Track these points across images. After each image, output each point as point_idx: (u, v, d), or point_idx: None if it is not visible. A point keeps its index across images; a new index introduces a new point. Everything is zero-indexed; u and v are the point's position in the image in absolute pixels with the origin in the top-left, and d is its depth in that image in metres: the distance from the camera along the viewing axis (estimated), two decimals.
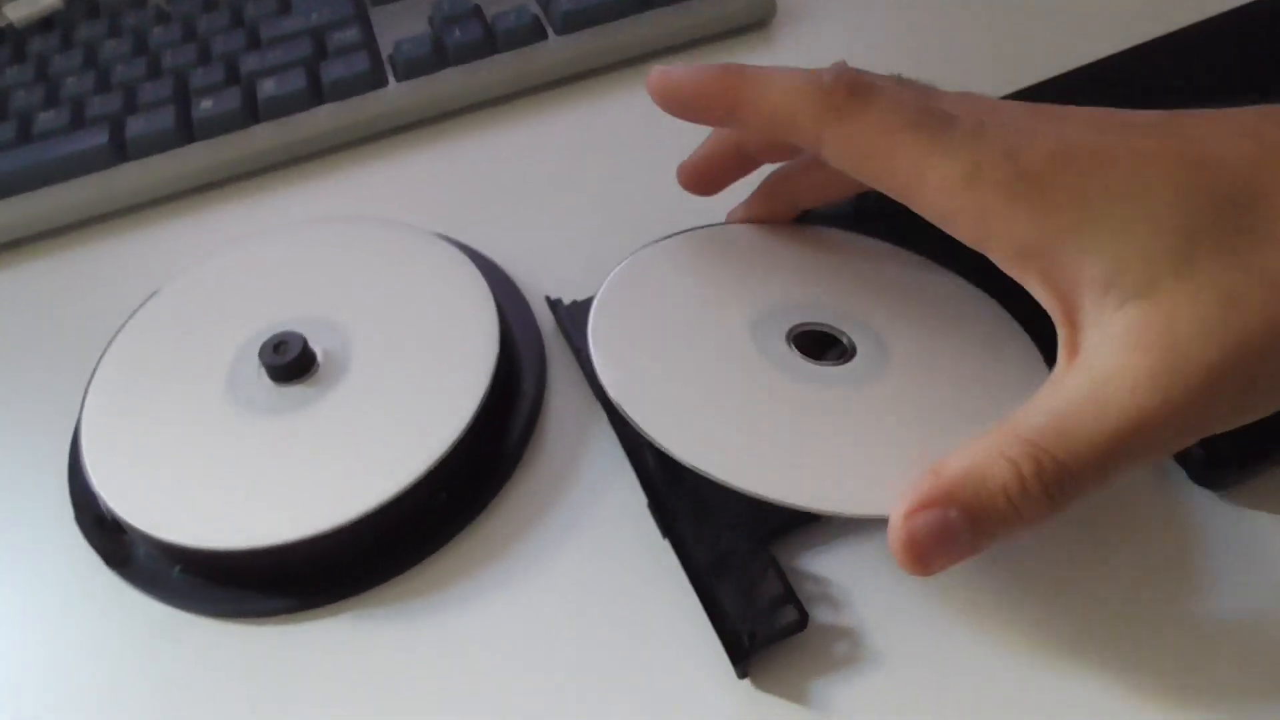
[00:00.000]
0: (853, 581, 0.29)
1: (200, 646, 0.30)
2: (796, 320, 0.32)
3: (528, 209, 0.41)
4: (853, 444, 0.28)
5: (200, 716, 0.28)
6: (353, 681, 0.29)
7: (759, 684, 0.27)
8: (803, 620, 0.27)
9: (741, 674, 0.27)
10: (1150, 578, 0.28)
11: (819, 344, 0.31)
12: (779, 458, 0.28)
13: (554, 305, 0.35)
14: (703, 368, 0.30)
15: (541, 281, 0.38)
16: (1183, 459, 0.29)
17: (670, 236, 0.35)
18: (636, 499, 0.31)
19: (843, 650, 0.27)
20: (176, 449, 0.32)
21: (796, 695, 0.27)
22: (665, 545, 0.29)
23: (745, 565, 0.28)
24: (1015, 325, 0.31)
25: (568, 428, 0.34)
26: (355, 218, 0.39)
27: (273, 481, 0.31)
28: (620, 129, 0.43)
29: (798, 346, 0.31)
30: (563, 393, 0.35)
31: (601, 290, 0.32)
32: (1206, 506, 0.29)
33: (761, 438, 0.28)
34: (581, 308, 0.35)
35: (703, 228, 0.36)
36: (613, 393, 0.29)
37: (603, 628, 0.29)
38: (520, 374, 0.35)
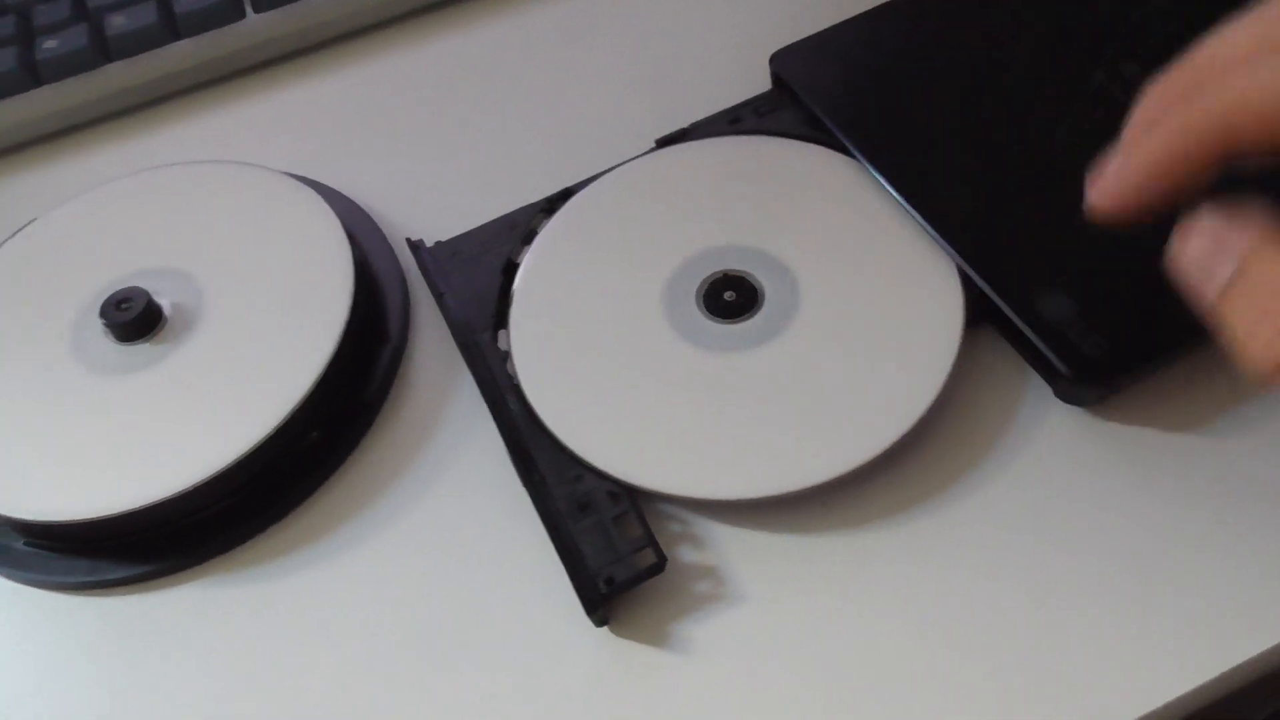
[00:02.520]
0: (717, 519, 0.28)
1: (50, 621, 0.29)
2: (709, 270, 0.31)
3: (398, 145, 0.39)
4: (733, 422, 0.28)
5: (50, 694, 0.28)
6: (210, 649, 0.28)
7: (620, 629, 0.26)
8: (661, 563, 0.26)
9: (599, 621, 0.26)
10: (1015, 500, 0.27)
11: (734, 289, 0.31)
12: (675, 448, 0.28)
13: (415, 247, 0.34)
14: (611, 357, 0.30)
15: (410, 221, 0.36)
16: (1049, 377, 0.28)
17: (582, 189, 0.34)
18: (500, 445, 0.30)
19: (705, 589, 0.27)
20: (18, 416, 0.31)
21: (657, 638, 0.26)
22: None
23: (605, 510, 0.27)
24: (932, 243, 0.31)
25: (433, 373, 0.32)
26: (202, 161, 0.37)
27: (120, 445, 0.30)
28: (496, 57, 0.41)
29: (708, 301, 0.31)
30: (429, 336, 0.33)
31: (519, 279, 0.32)
32: (1073, 424, 0.28)
33: (658, 430, 0.29)
34: (445, 248, 0.34)
35: (615, 169, 0.34)
36: (543, 415, 0.29)
37: (464, 580, 0.28)
38: (384, 317, 0.33)
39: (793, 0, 0.40)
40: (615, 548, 0.27)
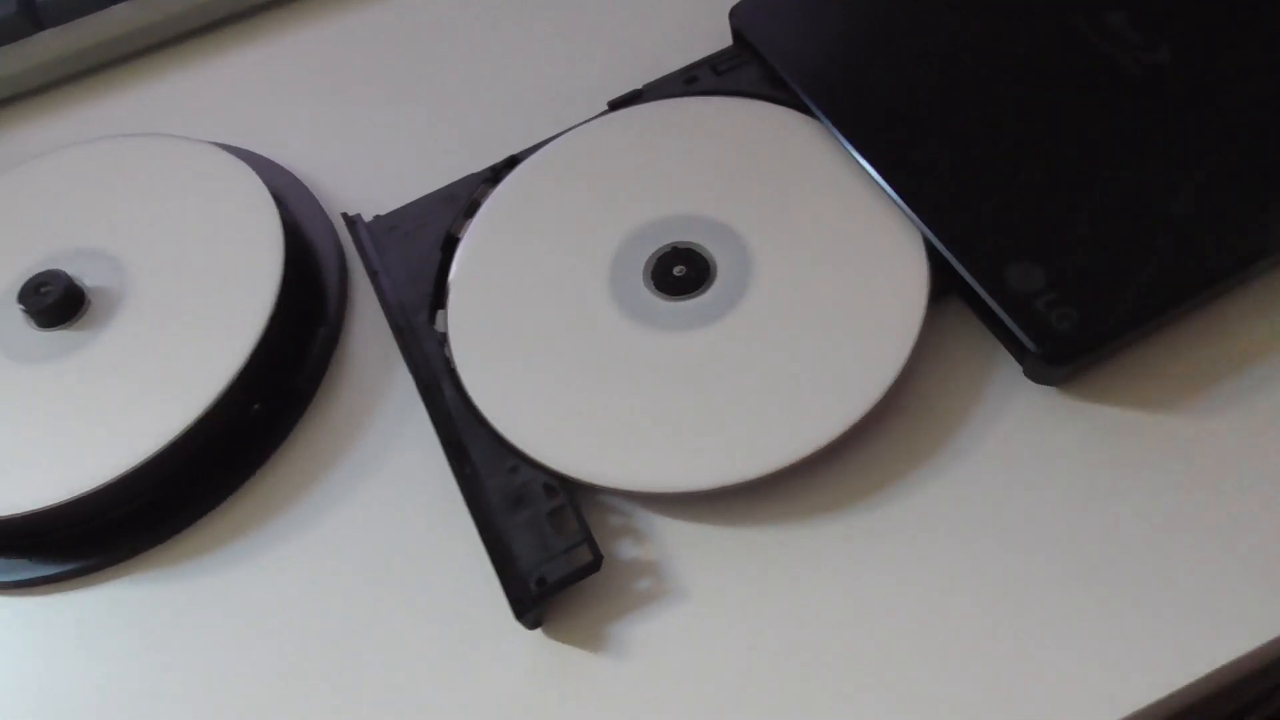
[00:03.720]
0: (661, 512, 0.26)
1: None
2: (659, 243, 0.29)
3: (343, 114, 0.37)
4: (679, 408, 0.27)
5: None
6: (133, 650, 0.26)
7: (554, 631, 0.25)
8: (596, 561, 0.25)
9: (531, 624, 0.25)
10: (981, 487, 0.26)
11: (684, 263, 0.29)
12: (616, 438, 0.26)
13: (351, 222, 0.32)
14: (554, 339, 0.28)
15: (354, 194, 0.34)
16: (1018, 354, 0.26)
17: (528, 157, 0.32)
18: (435, 435, 0.28)
19: (645, 587, 0.25)
20: None
21: (593, 640, 0.25)
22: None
23: (540, 504, 0.26)
24: (895, 209, 0.29)
25: (371, 356, 0.31)
26: (128, 134, 0.35)
27: (39, 438, 0.28)
28: (444, 18, 0.39)
29: (657, 277, 0.29)
30: (368, 317, 0.31)
31: (458, 256, 0.30)
32: (1043, 404, 0.26)
33: (599, 418, 0.27)
34: (383, 223, 0.32)
35: (563, 135, 0.32)
36: (483, 407, 0.27)
37: (396, 576, 0.26)
38: (320, 296, 0.32)
39: None
40: (549, 545, 0.25)
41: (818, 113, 0.31)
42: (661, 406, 0.27)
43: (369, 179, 0.35)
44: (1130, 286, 0.26)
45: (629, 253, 0.29)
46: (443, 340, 0.29)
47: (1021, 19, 0.31)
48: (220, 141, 0.35)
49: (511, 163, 0.32)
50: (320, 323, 0.31)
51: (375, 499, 0.28)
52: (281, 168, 0.35)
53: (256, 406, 0.29)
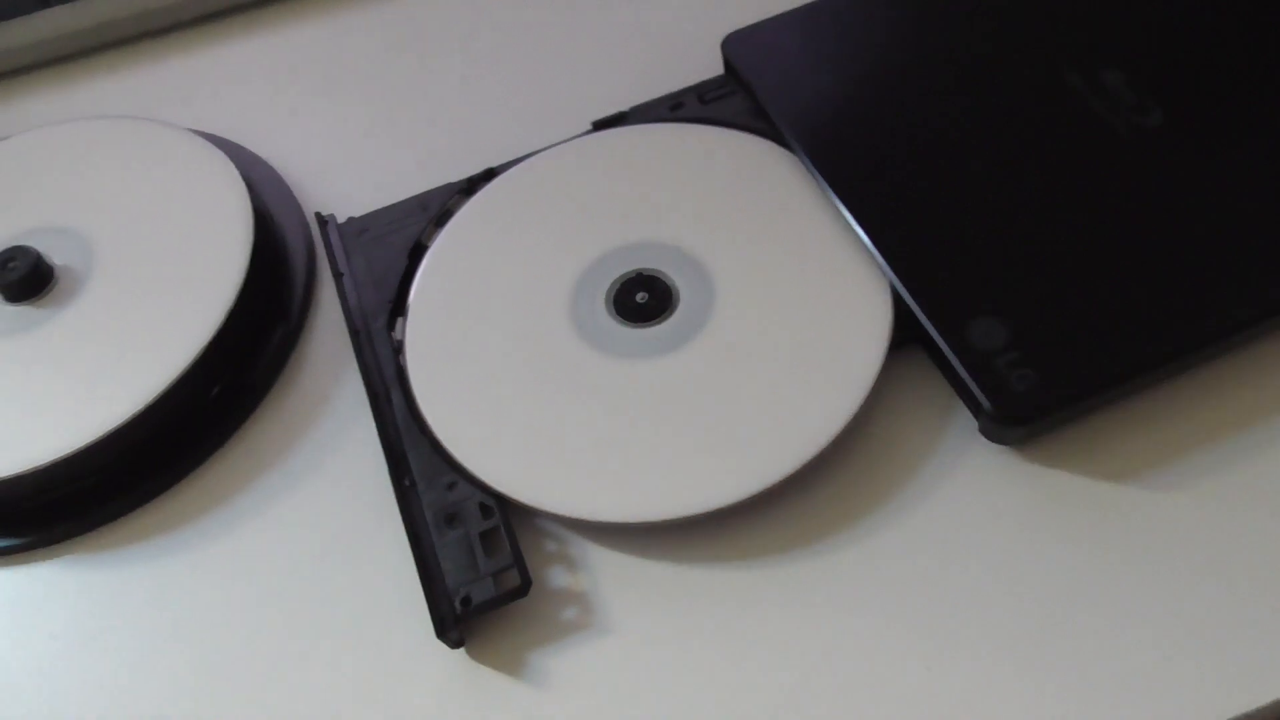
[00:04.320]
0: (596, 541, 0.26)
1: None
2: (625, 267, 0.29)
3: (333, 113, 0.37)
4: (627, 437, 0.26)
5: None
6: (54, 634, 0.26)
7: (475, 652, 0.24)
8: (524, 586, 0.24)
9: (452, 643, 0.24)
10: (925, 542, 0.25)
11: (647, 290, 0.28)
12: (558, 462, 0.26)
13: (324, 222, 0.32)
14: (509, 357, 0.28)
15: (330, 192, 0.34)
16: (973, 410, 0.26)
17: (505, 171, 0.32)
18: (379, 443, 0.28)
19: (570, 617, 0.25)
20: None
21: (513, 665, 0.24)
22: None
23: (473, 523, 0.25)
24: (865, 253, 0.28)
25: (328, 358, 0.30)
26: (105, 116, 0.35)
27: None
28: (442, 24, 0.39)
29: (618, 302, 0.28)
30: (332, 318, 0.31)
31: (424, 264, 0.30)
32: (996, 463, 0.26)
33: (543, 441, 0.26)
34: (355, 225, 0.31)
35: (543, 152, 0.32)
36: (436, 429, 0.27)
37: (324, 582, 0.26)
38: (286, 293, 0.31)
39: None
40: (478, 565, 0.24)
41: (797, 149, 0.30)
42: (608, 434, 0.26)
43: (350, 179, 0.34)
44: (1094, 353, 0.25)
45: (594, 275, 0.29)
46: (399, 348, 0.29)
47: (1015, 71, 0.31)
48: (205, 131, 0.35)
49: (488, 175, 0.32)
50: (282, 318, 0.31)
51: (313, 502, 0.28)
52: (261, 160, 0.35)
53: (215, 390, 0.29)
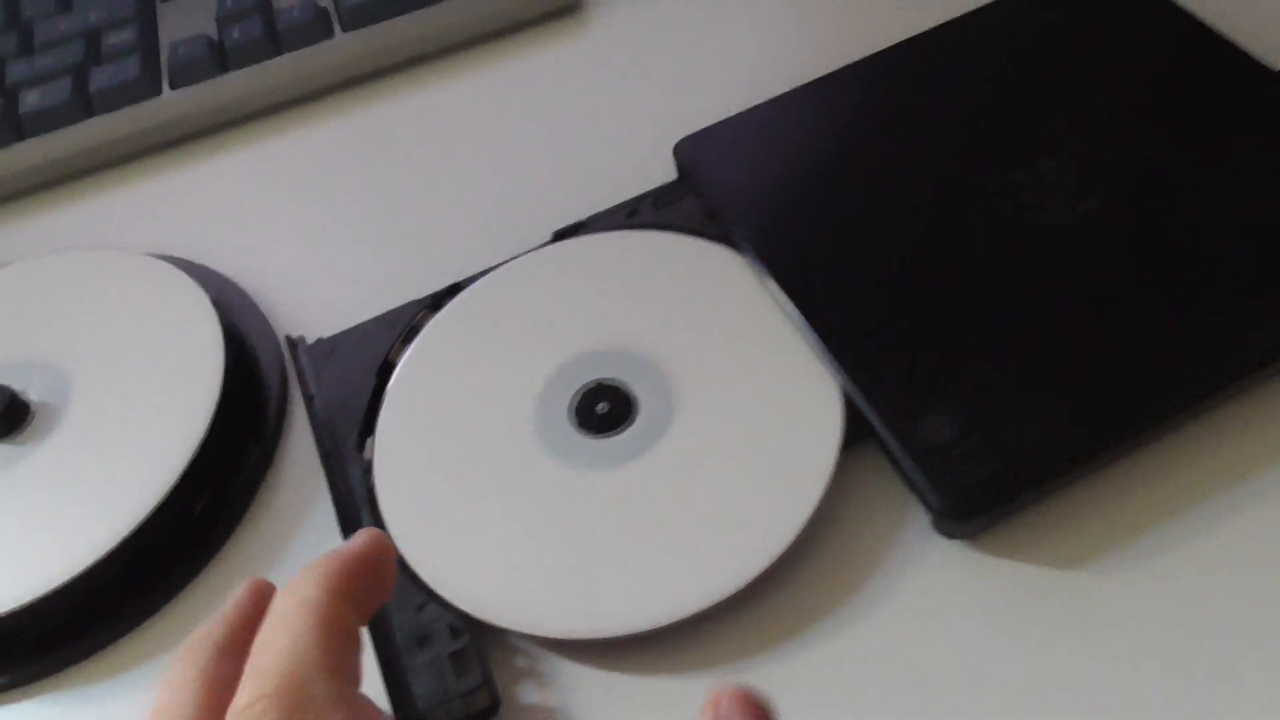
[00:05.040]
0: (566, 657, 0.26)
1: None
2: (586, 377, 0.30)
3: (296, 234, 0.38)
4: (591, 551, 0.27)
5: None
6: None
7: None
8: (494, 706, 0.25)
9: None
10: (887, 640, 0.25)
11: (608, 400, 0.29)
12: (525, 581, 0.27)
13: (293, 345, 0.32)
14: (475, 475, 0.29)
15: (300, 311, 0.35)
16: (926, 506, 0.26)
17: (469, 285, 0.33)
18: None
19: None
20: None
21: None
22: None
23: (443, 644, 0.26)
24: (816, 352, 0.29)
25: (300, 484, 0.31)
26: (73, 248, 0.36)
27: None
28: (402, 140, 0.40)
29: (580, 413, 0.29)
30: (305, 435, 0.32)
31: (392, 382, 0.31)
32: (954, 557, 0.26)
33: (509, 559, 0.27)
34: (325, 345, 0.32)
35: (504, 265, 0.33)
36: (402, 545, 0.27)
37: None
38: (259, 419, 0.32)
39: (715, 82, 0.39)
40: (448, 687, 0.25)
41: (747, 250, 0.31)
42: (573, 549, 0.27)
43: (318, 295, 0.35)
44: (1043, 442, 0.26)
45: (556, 387, 0.30)
46: (368, 468, 0.29)
47: (956, 168, 0.32)
48: (171, 255, 0.36)
49: (454, 290, 0.33)
50: (255, 443, 0.31)
51: None
52: (230, 282, 0.36)
53: (191, 516, 0.30)
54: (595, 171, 0.37)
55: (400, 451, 0.29)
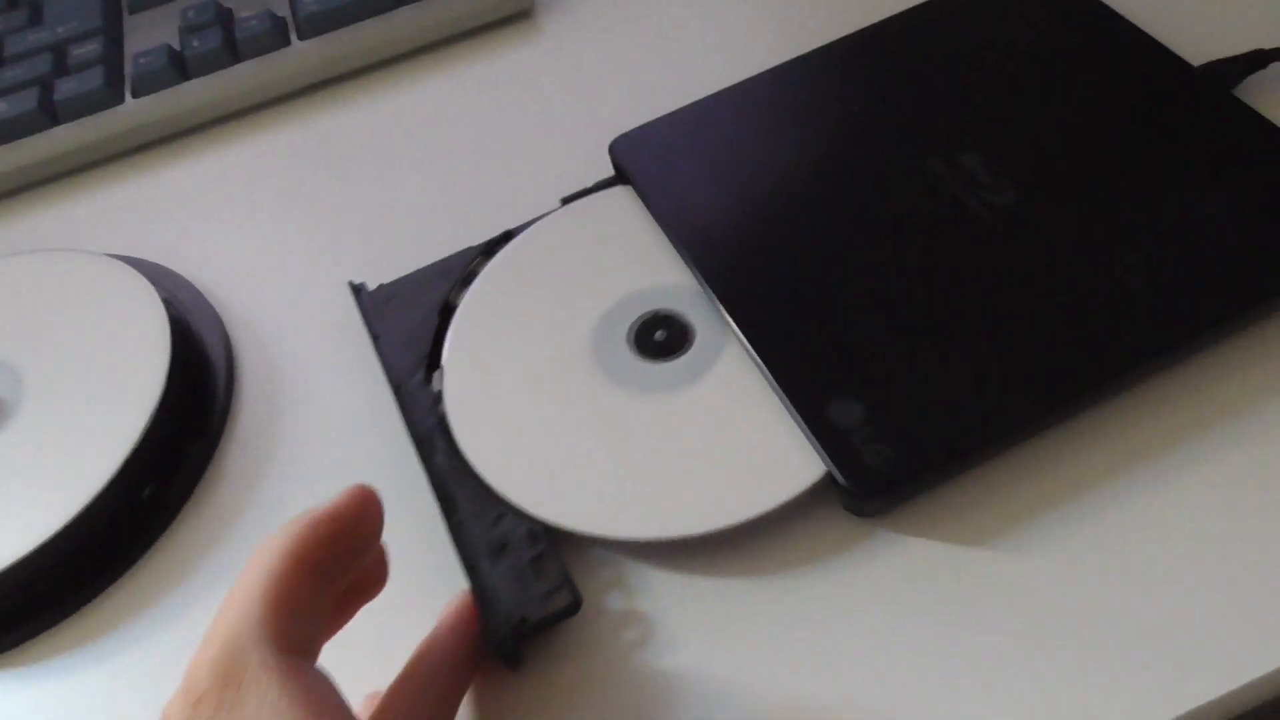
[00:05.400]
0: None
1: None
2: (641, 309, 0.32)
3: (250, 229, 0.39)
4: (654, 462, 0.28)
5: None
6: None
7: (535, 676, 0.26)
8: (575, 604, 0.26)
9: (512, 664, 0.26)
10: (803, 608, 0.26)
11: (665, 328, 0.31)
12: (596, 488, 0.28)
13: (356, 290, 0.34)
14: (540, 398, 0.30)
15: (254, 307, 0.36)
16: (833, 485, 0.27)
17: (522, 231, 0.34)
18: None
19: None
20: None
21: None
22: None
23: (523, 551, 0.27)
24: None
25: (244, 469, 0.32)
26: (29, 250, 0.38)
27: None
28: (361, 141, 0.41)
29: (639, 340, 0.31)
30: (251, 426, 0.33)
31: (454, 321, 0.32)
32: (863, 534, 0.27)
33: (581, 470, 0.28)
34: (384, 291, 0.34)
35: (539, 221, 0.35)
36: (473, 460, 0.29)
37: None
38: (205, 411, 0.33)
39: (662, 83, 0.40)
40: (529, 589, 0.26)
41: (675, 243, 0.32)
42: (639, 461, 0.28)
43: (273, 296, 0.36)
44: (946, 425, 0.27)
45: (612, 318, 0.31)
46: (437, 399, 0.31)
47: (879, 162, 0.33)
48: (131, 257, 0.38)
49: (506, 236, 0.34)
50: (200, 433, 0.33)
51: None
52: (186, 282, 0.37)
53: (132, 505, 0.31)
54: (545, 171, 0.38)
55: (468, 380, 0.31)
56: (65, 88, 0.42)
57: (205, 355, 0.34)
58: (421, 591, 0.28)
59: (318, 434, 0.32)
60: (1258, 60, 0.33)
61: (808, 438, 0.27)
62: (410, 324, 0.33)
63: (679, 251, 0.32)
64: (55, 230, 0.41)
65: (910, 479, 0.26)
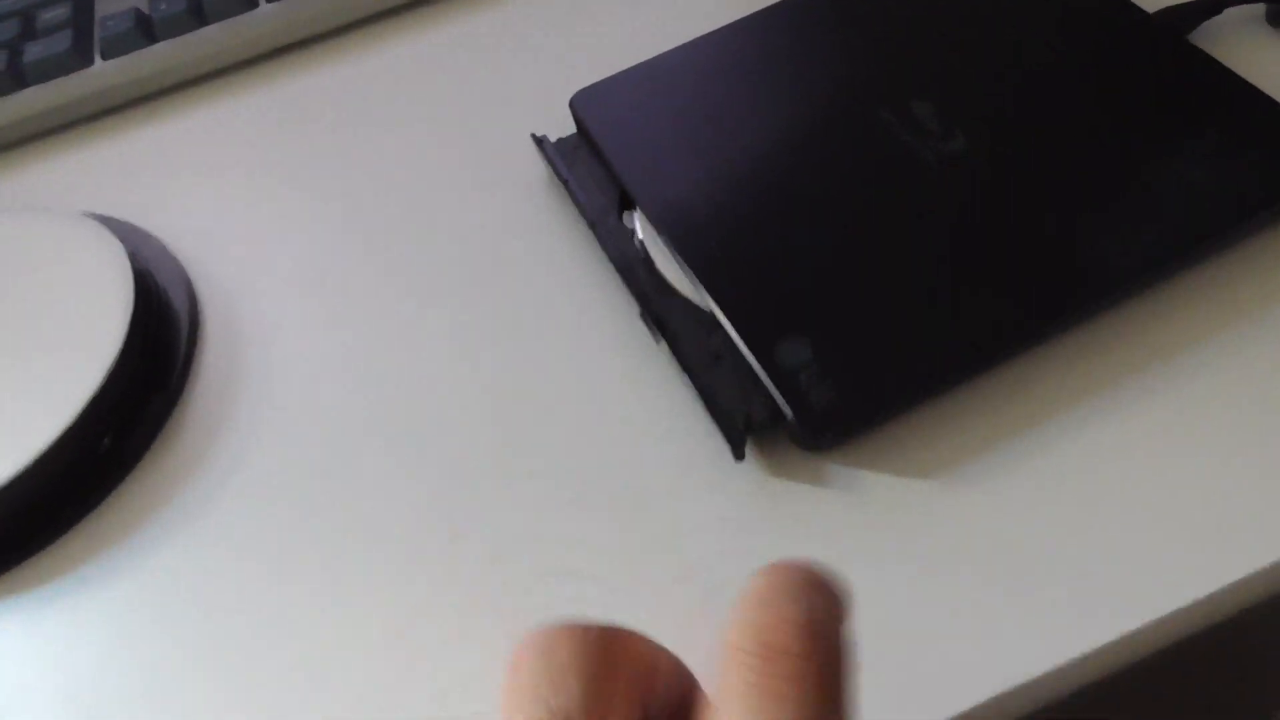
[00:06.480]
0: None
1: None
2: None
3: (227, 190, 0.39)
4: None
5: None
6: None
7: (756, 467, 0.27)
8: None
9: (739, 455, 0.27)
10: (751, 541, 0.26)
11: None
12: None
13: (539, 141, 0.35)
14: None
15: (219, 261, 0.36)
16: (782, 423, 0.28)
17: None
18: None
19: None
20: None
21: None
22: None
23: (739, 359, 0.28)
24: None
25: (204, 423, 0.32)
26: (4, 210, 0.38)
27: None
28: (333, 101, 0.41)
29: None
30: (212, 380, 0.33)
31: None
32: (814, 468, 0.27)
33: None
34: (570, 140, 0.35)
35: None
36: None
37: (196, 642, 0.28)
38: (170, 353, 0.33)
39: (629, 40, 0.40)
40: (749, 391, 0.28)
41: (634, 194, 0.32)
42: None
43: (238, 252, 0.37)
44: (889, 365, 0.27)
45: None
46: (631, 235, 0.32)
47: (831, 109, 0.33)
48: (99, 214, 0.38)
49: None
50: (161, 384, 0.33)
51: (185, 562, 0.29)
52: (153, 238, 0.37)
53: (89, 461, 0.31)
54: (511, 128, 0.38)
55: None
56: (34, 51, 0.43)
57: (170, 309, 0.35)
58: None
59: (279, 390, 0.32)
60: (1213, 7, 0.34)
61: (760, 374, 0.27)
62: (596, 172, 0.34)
63: (637, 201, 0.32)
64: (23, 191, 0.41)
65: (855, 415, 0.27)
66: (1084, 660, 0.24)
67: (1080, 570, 0.25)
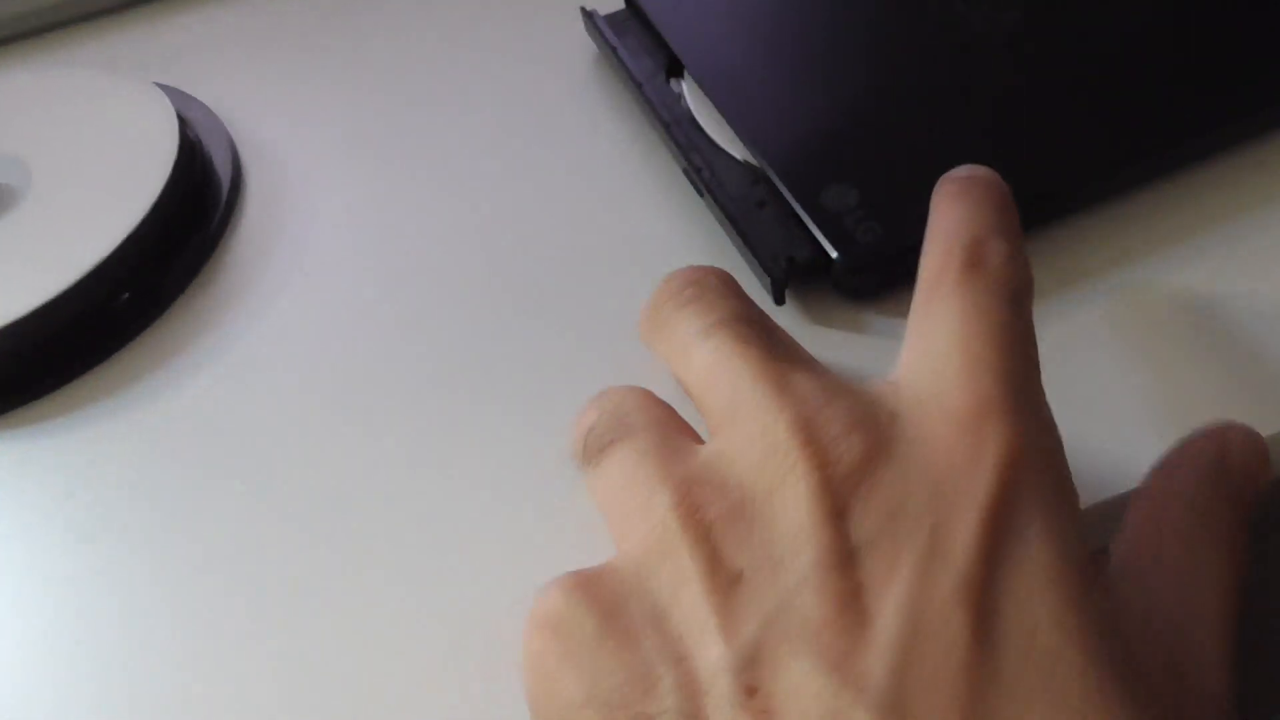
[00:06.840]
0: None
1: None
2: None
3: (276, 66, 0.39)
4: None
5: None
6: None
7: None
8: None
9: (779, 299, 0.27)
10: None
11: None
12: None
13: (589, 15, 0.35)
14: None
15: (262, 131, 0.36)
16: (827, 268, 0.27)
17: None
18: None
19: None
20: None
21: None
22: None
23: (783, 204, 0.28)
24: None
25: (244, 272, 0.32)
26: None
27: None
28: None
29: None
30: (253, 234, 0.33)
31: None
32: (853, 316, 0.27)
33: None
34: (616, 16, 0.35)
35: None
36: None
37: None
38: (209, 207, 0.33)
39: None
40: (793, 234, 0.27)
41: (684, 59, 0.32)
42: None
43: (282, 121, 0.37)
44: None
45: None
46: (679, 98, 0.32)
47: None
48: (156, 82, 0.38)
49: None
50: (198, 231, 0.33)
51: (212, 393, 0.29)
52: (203, 105, 0.37)
53: (125, 295, 0.31)
54: (565, 3, 0.38)
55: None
56: None
57: (210, 162, 0.35)
58: None
59: (313, 240, 0.32)
60: None
61: (804, 218, 0.27)
62: (645, 41, 0.34)
63: (685, 63, 0.32)
64: (91, 59, 0.41)
65: (899, 252, 0.26)
66: None
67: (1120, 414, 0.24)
